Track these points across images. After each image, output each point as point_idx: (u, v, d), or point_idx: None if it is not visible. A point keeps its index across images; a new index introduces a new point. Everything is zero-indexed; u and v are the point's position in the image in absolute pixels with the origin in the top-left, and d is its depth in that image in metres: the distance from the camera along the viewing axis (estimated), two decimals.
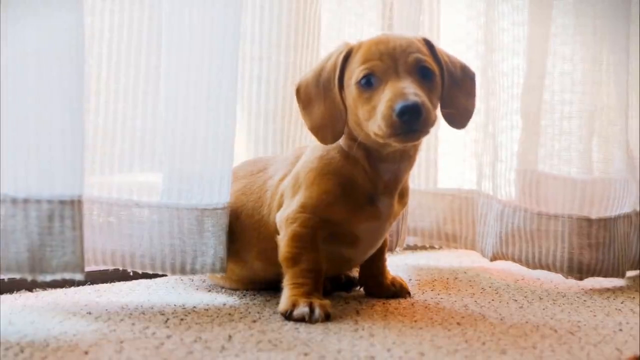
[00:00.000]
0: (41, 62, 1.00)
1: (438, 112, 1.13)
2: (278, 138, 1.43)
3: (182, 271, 1.18)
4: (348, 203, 1.13)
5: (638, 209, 1.53)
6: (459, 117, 1.16)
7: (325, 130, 1.13)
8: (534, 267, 1.47)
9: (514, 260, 1.49)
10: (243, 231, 1.21)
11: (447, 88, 1.13)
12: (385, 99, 1.04)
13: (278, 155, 1.33)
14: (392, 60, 1.07)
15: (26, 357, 0.87)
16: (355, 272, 1.34)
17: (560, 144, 1.49)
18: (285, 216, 1.14)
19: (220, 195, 1.19)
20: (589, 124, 1.49)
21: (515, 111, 1.52)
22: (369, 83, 1.07)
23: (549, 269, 1.45)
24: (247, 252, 1.22)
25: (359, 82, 1.08)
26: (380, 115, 1.04)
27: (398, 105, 1.01)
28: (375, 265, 1.27)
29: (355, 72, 1.09)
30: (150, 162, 1.21)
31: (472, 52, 1.62)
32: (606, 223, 1.44)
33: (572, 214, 1.43)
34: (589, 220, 1.43)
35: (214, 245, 1.18)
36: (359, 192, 1.14)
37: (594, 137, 1.50)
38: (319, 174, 1.14)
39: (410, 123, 1.02)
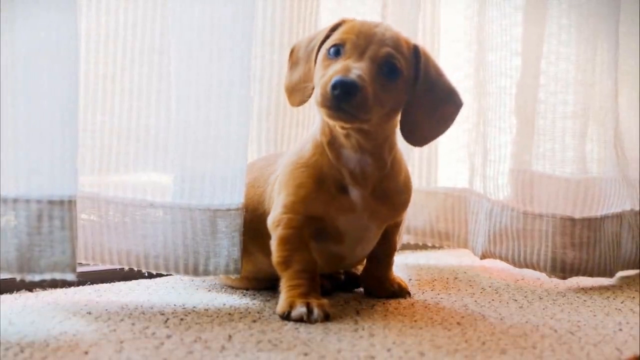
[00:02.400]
0: (31, 61, 1.00)
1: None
2: (272, 137, 1.43)
3: (196, 272, 1.19)
4: (322, 194, 1.13)
5: (637, 209, 1.53)
6: (418, 134, 1.15)
7: (296, 92, 1.16)
8: (520, 266, 1.47)
9: (501, 258, 1.49)
10: (250, 223, 1.21)
11: (417, 100, 1.12)
12: (331, 70, 1.05)
13: (287, 151, 1.33)
14: (366, 43, 1.08)
15: (26, 357, 0.87)
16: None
17: (546, 144, 1.49)
18: (272, 220, 1.15)
19: (233, 195, 1.19)
20: (579, 124, 1.48)
21: (507, 110, 1.51)
22: (336, 53, 1.09)
23: (533, 268, 1.46)
24: (252, 244, 1.22)
25: (328, 49, 1.10)
26: (321, 84, 1.05)
27: (334, 78, 1.02)
28: (379, 267, 1.27)
29: (330, 39, 1.10)
30: (163, 162, 1.21)
31: (471, 52, 1.62)
32: (590, 223, 1.44)
33: (555, 214, 1.43)
34: (572, 220, 1.43)
35: (227, 247, 1.18)
36: (329, 181, 1.13)
37: (583, 137, 1.49)
38: (293, 169, 1.15)
39: (339, 99, 1.02)
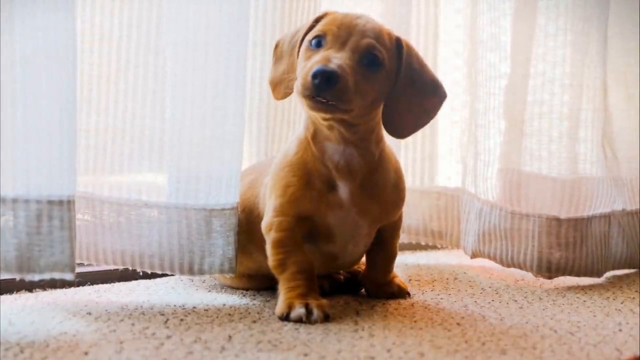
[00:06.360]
0: (30, 61, 1.00)
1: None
2: (263, 136, 1.44)
3: (191, 271, 1.19)
4: (309, 191, 1.13)
5: (628, 209, 1.54)
6: (399, 126, 1.15)
7: (279, 85, 1.16)
8: (508, 266, 1.47)
9: (490, 258, 1.50)
10: (247, 224, 1.22)
11: (399, 92, 1.12)
12: (313, 60, 1.05)
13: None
14: (347, 34, 1.08)
15: (26, 358, 0.87)
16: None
17: (534, 144, 1.49)
18: (265, 224, 1.15)
19: (228, 195, 1.19)
20: (567, 125, 1.48)
21: (497, 111, 1.51)
22: (318, 44, 1.09)
23: (520, 268, 1.46)
24: (250, 244, 1.22)
25: (309, 41, 1.10)
26: (302, 74, 1.05)
27: (315, 68, 1.02)
28: (379, 272, 1.26)
29: (312, 31, 1.11)
30: (159, 162, 1.21)
31: (467, 52, 1.62)
32: (577, 223, 1.44)
33: (542, 214, 1.44)
34: (558, 220, 1.43)
35: (222, 246, 1.19)
36: (316, 178, 1.13)
37: (572, 137, 1.49)
38: (279, 170, 1.15)
39: (320, 88, 1.02)
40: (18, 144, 1.00)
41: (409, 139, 1.60)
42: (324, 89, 1.02)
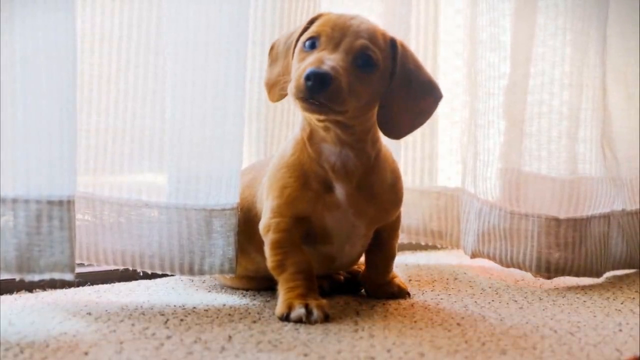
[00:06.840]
0: (30, 61, 1.00)
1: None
2: (262, 137, 1.44)
3: (191, 272, 1.19)
4: (306, 192, 1.13)
5: (628, 209, 1.54)
6: (395, 127, 1.14)
7: (275, 87, 1.16)
8: (507, 266, 1.48)
9: (489, 258, 1.50)
10: (245, 223, 1.22)
11: (395, 92, 1.12)
12: (306, 62, 1.05)
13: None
14: (340, 35, 1.08)
15: (26, 358, 0.87)
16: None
17: (533, 144, 1.49)
18: (262, 225, 1.15)
19: (228, 195, 1.19)
20: (567, 125, 1.48)
21: (497, 111, 1.51)
22: (312, 45, 1.09)
23: (519, 268, 1.46)
24: (248, 244, 1.22)
25: (303, 43, 1.10)
26: (295, 76, 1.05)
27: (308, 70, 1.02)
28: (378, 273, 1.26)
29: (306, 33, 1.11)
30: (159, 162, 1.21)
31: (467, 52, 1.62)
32: (575, 223, 1.44)
33: (541, 214, 1.44)
34: (557, 220, 1.44)
35: (222, 246, 1.19)
36: (312, 179, 1.13)
37: (571, 137, 1.49)
38: (276, 171, 1.15)
39: (313, 90, 1.02)
40: (18, 144, 1.00)
41: (409, 138, 1.61)
42: (317, 91, 1.02)
